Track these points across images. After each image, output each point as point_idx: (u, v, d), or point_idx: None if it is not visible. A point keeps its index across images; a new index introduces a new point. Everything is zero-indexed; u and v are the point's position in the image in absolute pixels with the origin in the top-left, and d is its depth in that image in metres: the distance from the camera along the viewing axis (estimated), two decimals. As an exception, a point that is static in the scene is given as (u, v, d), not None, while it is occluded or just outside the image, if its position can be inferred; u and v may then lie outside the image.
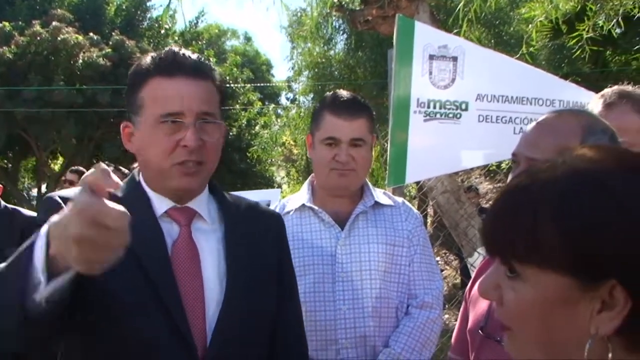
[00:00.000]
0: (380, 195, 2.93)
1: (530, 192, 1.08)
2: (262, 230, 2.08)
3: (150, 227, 1.88)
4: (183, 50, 1.93)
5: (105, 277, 1.66)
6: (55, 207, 1.77)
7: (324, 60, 16.78)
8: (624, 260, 1.00)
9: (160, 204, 1.93)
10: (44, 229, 1.39)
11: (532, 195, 1.07)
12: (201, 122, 1.86)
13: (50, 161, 27.63)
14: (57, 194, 1.91)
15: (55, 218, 1.34)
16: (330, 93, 2.93)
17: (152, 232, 1.87)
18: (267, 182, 27.60)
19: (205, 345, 1.82)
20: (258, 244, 2.03)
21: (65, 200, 1.82)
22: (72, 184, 7.47)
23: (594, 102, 2.61)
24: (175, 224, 1.93)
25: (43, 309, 1.36)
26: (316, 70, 16.95)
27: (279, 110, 29.97)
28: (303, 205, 2.86)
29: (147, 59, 1.92)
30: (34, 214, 5.05)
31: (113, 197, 1.85)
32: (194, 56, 1.92)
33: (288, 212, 2.87)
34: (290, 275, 2.18)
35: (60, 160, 27.67)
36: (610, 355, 1.04)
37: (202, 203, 1.99)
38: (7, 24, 22.67)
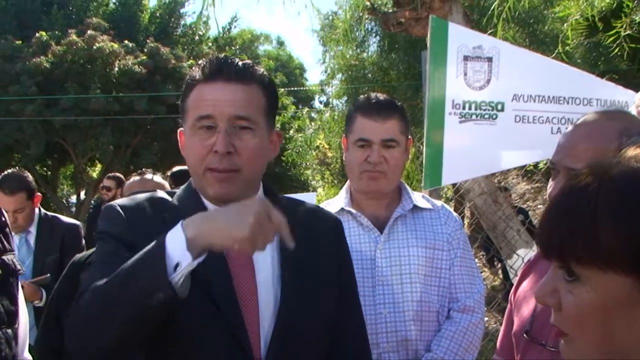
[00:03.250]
0: (418, 198, 2.91)
1: (587, 192, 1.05)
2: (320, 235, 2.04)
3: None
4: (231, 57, 1.94)
5: None
6: (115, 215, 1.88)
7: (357, 62, 16.77)
8: None
9: None
10: (178, 226, 1.61)
11: (590, 195, 1.04)
12: (235, 128, 1.84)
13: (88, 168, 28.00)
14: (117, 202, 1.94)
15: (204, 213, 1.67)
16: (363, 95, 2.93)
17: None
18: (302, 186, 27.58)
19: (260, 353, 1.81)
20: (316, 249, 1.99)
21: (124, 208, 1.90)
22: (109, 190, 7.59)
23: None
24: None
25: (165, 298, 1.55)
26: (349, 73, 16.94)
27: (313, 114, 30.04)
28: (342, 209, 2.86)
29: (196, 68, 1.93)
30: (74, 221, 5.13)
31: (167, 202, 1.94)
32: (240, 61, 1.91)
33: (327, 216, 2.86)
34: (351, 280, 2.14)
35: (98, 167, 28.02)
36: None
37: None
38: (44, 33, 23.05)
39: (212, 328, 1.79)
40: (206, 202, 1.95)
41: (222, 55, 1.95)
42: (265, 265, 1.92)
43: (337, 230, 2.15)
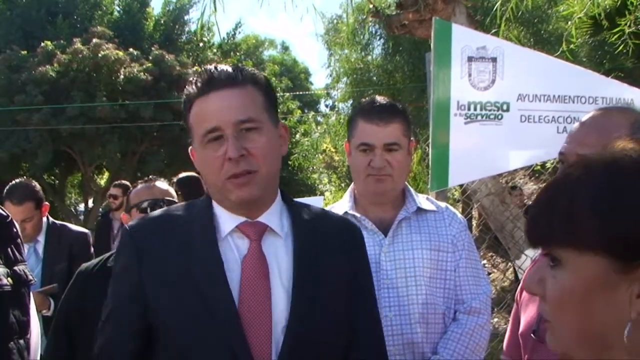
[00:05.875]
0: (422, 200, 2.91)
1: (568, 181, 1.11)
2: (336, 241, 2.03)
3: (209, 252, 1.88)
4: (219, 66, 1.94)
5: (165, 311, 1.79)
6: (124, 245, 1.96)
7: (361, 66, 16.80)
8: None
9: (230, 220, 1.93)
10: None
11: (570, 183, 1.10)
12: (242, 131, 1.85)
13: (95, 176, 28.06)
14: (132, 226, 1.98)
15: None
16: (364, 100, 2.92)
17: (211, 258, 1.87)
18: (309, 190, 27.55)
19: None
20: (331, 255, 1.98)
21: (136, 234, 1.94)
22: (115, 198, 7.63)
23: None
24: (246, 238, 1.92)
25: None
26: (354, 76, 16.98)
27: (319, 118, 30.08)
28: (346, 212, 2.85)
29: (188, 85, 1.94)
30: (83, 229, 5.14)
31: (180, 219, 1.96)
32: (228, 67, 1.92)
33: (331, 221, 2.86)
34: (367, 286, 2.10)
35: (106, 174, 28.08)
36: None
37: (274, 216, 1.98)
38: (49, 43, 23.12)
39: (213, 346, 1.79)
40: (221, 213, 1.95)
41: (210, 66, 1.95)
42: (283, 273, 1.90)
43: (354, 234, 2.12)
